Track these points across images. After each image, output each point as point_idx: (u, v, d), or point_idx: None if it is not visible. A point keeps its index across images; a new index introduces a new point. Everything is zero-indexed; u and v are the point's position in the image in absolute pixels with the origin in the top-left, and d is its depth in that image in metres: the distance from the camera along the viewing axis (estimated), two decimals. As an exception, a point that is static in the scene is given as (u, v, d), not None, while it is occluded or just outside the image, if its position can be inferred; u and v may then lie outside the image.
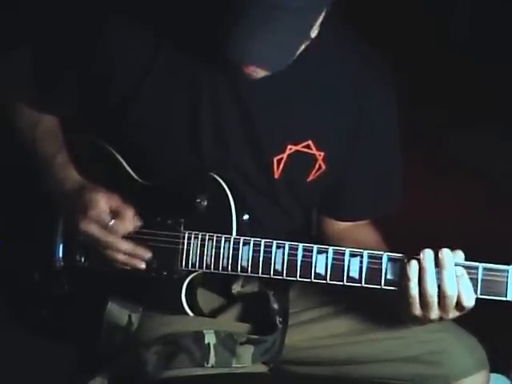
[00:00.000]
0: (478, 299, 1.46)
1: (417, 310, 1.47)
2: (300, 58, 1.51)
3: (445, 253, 1.44)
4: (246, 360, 1.62)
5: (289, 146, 1.63)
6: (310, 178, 1.67)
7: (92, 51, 1.60)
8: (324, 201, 1.77)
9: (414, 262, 1.45)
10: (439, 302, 1.45)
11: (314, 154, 1.64)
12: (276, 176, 1.65)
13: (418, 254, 1.46)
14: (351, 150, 1.67)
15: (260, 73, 1.50)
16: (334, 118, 1.64)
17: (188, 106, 1.61)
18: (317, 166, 1.66)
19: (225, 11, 1.42)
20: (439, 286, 1.44)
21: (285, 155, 1.63)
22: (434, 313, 1.46)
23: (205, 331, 1.60)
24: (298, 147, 1.63)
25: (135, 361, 1.60)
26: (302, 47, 1.49)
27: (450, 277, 1.43)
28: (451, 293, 1.43)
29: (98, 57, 1.60)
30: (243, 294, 1.71)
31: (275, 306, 1.69)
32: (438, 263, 1.44)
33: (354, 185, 1.72)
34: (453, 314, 1.47)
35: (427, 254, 1.45)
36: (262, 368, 1.66)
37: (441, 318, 1.48)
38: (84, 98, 1.66)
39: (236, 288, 1.70)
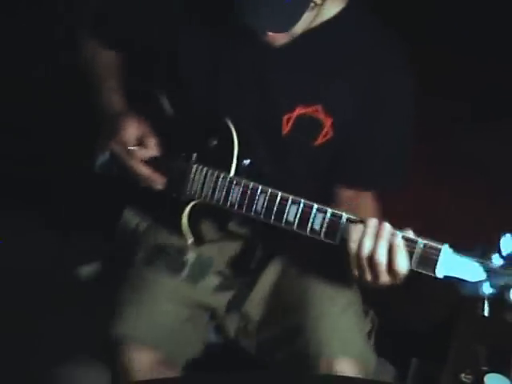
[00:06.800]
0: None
1: (355, 271, 1.60)
2: (320, 25, 1.68)
3: (385, 225, 1.56)
4: (207, 289, 1.89)
5: (298, 108, 1.78)
6: (318, 141, 1.80)
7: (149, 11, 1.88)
8: (330, 166, 1.86)
9: (359, 226, 1.58)
10: (370, 265, 1.57)
11: (321, 119, 1.78)
12: (284, 133, 1.81)
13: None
14: (360, 120, 1.77)
15: (279, 40, 1.68)
16: (346, 86, 1.76)
17: (212, 61, 1.82)
18: (324, 131, 1.79)
19: None
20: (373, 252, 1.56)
21: (294, 115, 1.79)
22: (367, 275, 1.59)
23: (189, 248, 1.88)
24: (307, 110, 1.78)
25: (127, 251, 1.94)
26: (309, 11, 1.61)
27: (382, 246, 1.54)
28: (380, 260, 1.55)
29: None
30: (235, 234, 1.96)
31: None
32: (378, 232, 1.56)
33: (360, 152, 1.81)
34: (384, 278, 1.57)
35: (372, 222, 1.57)
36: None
37: (376, 283, 1.59)
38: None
39: (232, 226, 1.93)
